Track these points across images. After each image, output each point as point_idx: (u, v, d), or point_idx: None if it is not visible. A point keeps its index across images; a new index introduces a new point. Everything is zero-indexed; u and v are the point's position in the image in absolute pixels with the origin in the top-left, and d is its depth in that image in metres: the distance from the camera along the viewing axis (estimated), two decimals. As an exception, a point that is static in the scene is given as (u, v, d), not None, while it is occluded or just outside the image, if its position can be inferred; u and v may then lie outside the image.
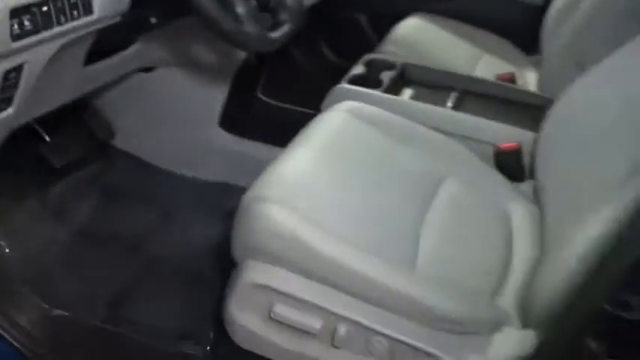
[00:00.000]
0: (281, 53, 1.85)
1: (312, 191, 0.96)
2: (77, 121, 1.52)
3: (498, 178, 1.20)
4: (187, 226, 1.45)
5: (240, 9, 0.92)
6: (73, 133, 1.49)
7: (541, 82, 1.59)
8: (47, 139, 1.39)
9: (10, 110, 0.86)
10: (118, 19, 0.95)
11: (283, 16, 1.05)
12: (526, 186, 1.21)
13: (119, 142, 1.60)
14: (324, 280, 0.86)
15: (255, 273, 0.89)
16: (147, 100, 1.54)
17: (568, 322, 0.65)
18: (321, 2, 1.73)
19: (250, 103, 1.70)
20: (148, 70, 1.46)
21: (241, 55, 1.51)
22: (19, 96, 0.85)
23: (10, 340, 1.01)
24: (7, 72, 0.79)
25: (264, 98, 1.75)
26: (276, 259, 0.88)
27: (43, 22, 0.78)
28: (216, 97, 1.56)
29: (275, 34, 1.01)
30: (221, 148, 1.60)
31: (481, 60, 1.81)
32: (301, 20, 1.12)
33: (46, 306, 1.10)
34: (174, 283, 1.26)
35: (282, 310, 0.88)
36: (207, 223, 1.46)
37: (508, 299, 0.93)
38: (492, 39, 1.95)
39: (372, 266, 0.86)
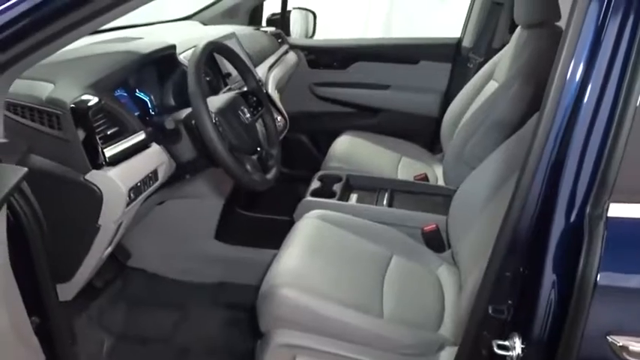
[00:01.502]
0: None
1: (310, 274, 1.39)
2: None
3: (427, 251, 1.69)
4: (199, 319, 1.84)
5: (248, 165, 1.40)
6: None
7: (445, 177, 2.09)
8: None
9: (110, 249, 1.28)
10: (166, 179, 1.41)
11: (271, 162, 1.52)
12: (447, 254, 1.71)
13: (134, 262, 1.98)
14: (328, 334, 1.31)
15: (280, 336, 1.32)
16: (155, 226, 1.94)
17: (471, 328, 0.97)
18: None
19: (238, 218, 2.12)
20: (158, 203, 1.89)
21: (229, 185, 1.97)
22: (116, 239, 1.28)
23: None
24: (117, 226, 1.23)
25: (244, 212, 2.18)
26: (294, 325, 1.31)
27: (138, 193, 1.24)
28: (212, 217, 1.99)
29: (269, 176, 1.48)
30: (216, 255, 2.02)
31: (400, 162, 2.31)
32: (279, 161, 1.59)
33: None
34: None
35: (302, 359, 1.31)
36: (214, 314, 1.86)
37: (447, 329, 1.41)
38: (406, 145, 2.48)
39: (356, 318, 1.31)
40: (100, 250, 1.23)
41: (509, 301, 0.93)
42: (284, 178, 2.50)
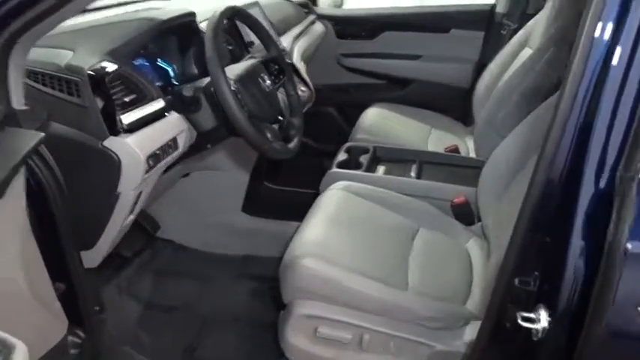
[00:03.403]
0: None
1: (333, 246, 1.37)
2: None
3: (456, 224, 1.64)
4: (224, 290, 1.85)
5: (269, 133, 1.37)
6: (130, 230, 1.89)
7: (476, 149, 2.04)
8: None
9: (131, 217, 1.29)
10: (187, 148, 1.41)
11: (293, 132, 1.50)
12: (477, 227, 1.66)
13: (163, 234, 2.00)
14: (350, 305, 1.28)
15: (303, 307, 1.31)
16: (183, 198, 1.96)
17: (495, 300, 0.93)
18: None
19: (262, 191, 2.12)
20: (184, 175, 1.90)
21: (253, 157, 1.96)
22: (137, 206, 1.29)
23: None
24: (137, 194, 1.23)
25: (271, 185, 2.17)
26: (316, 296, 1.29)
27: (157, 161, 1.23)
28: (238, 189, 1.99)
29: (291, 145, 1.44)
30: (243, 227, 2.02)
31: (431, 135, 2.27)
32: (302, 130, 1.56)
33: (142, 358, 1.47)
34: (227, 330, 1.66)
35: (324, 330, 1.30)
36: (239, 285, 1.87)
37: (473, 303, 1.37)
38: (437, 117, 2.42)
39: (380, 290, 1.29)
40: (121, 218, 1.23)
41: (535, 272, 0.89)
42: (311, 151, 2.52)
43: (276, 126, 1.44)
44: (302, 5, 2.48)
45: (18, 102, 1.07)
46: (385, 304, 1.29)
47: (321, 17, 2.57)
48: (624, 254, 0.74)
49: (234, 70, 1.36)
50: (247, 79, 1.35)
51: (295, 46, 2.09)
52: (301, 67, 2.00)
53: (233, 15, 1.42)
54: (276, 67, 1.51)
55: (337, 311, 1.29)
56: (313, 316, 1.30)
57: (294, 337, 1.32)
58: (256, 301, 1.81)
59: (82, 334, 1.11)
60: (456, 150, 2.05)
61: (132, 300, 1.72)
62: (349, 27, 2.59)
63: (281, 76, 1.52)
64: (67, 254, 1.14)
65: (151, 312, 1.70)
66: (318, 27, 2.51)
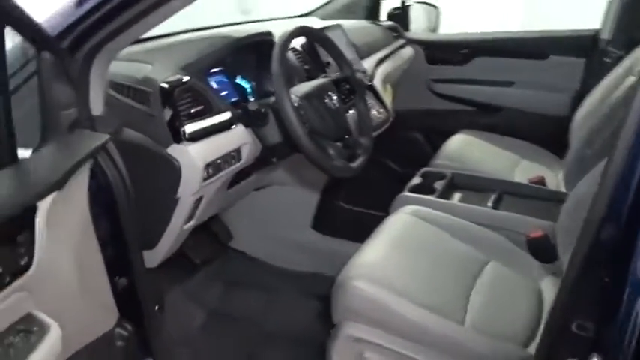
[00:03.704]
0: None
1: (389, 269, 1.33)
2: (206, 230, 2.02)
3: (531, 260, 1.52)
4: (289, 306, 1.86)
5: (331, 150, 1.38)
6: (204, 238, 1.98)
7: (565, 182, 1.88)
8: (192, 242, 1.87)
9: (191, 223, 1.35)
10: (253, 161, 1.45)
11: (359, 151, 1.49)
12: (555, 265, 1.53)
13: (235, 244, 2.07)
14: (399, 333, 1.23)
15: (351, 329, 1.27)
16: (257, 211, 2.01)
17: (544, 344, 0.90)
18: (387, 127, 2.14)
19: (336, 210, 2.12)
20: (258, 188, 1.95)
21: (324, 175, 1.97)
22: (197, 213, 1.34)
23: None
24: (196, 201, 1.28)
25: (346, 206, 2.17)
26: (366, 319, 1.26)
27: (217, 170, 1.28)
28: (309, 206, 2.01)
29: (354, 165, 1.44)
30: (313, 245, 2.03)
31: (519, 165, 2.13)
32: (370, 151, 1.55)
33: (190, 355, 1.51)
34: (284, 345, 1.66)
35: (371, 355, 1.25)
36: (304, 302, 1.87)
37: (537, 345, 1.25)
38: (528, 147, 2.27)
39: (432, 321, 1.22)
40: (180, 221, 1.29)
41: (588, 316, 0.80)
42: (393, 175, 2.50)
43: (340, 144, 1.43)
44: (391, 29, 2.48)
45: (96, 109, 1.17)
46: (436, 336, 1.21)
47: (411, 42, 2.55)
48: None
49: (302, 88, 1.39)
50: (313, 96, 1.37)
51: (379, 68, 2.09)
52: (381, 89, 1.99)
53: (303, 34, 1.45)
54: (347, 86, 1.51)
55: (385, 337, 1.24)
56: (360, 339, 1.26)
57: (340, 358, 1.29)
58: (318, 321, 1.80)
59: (130, 327, 1.16)
60: (541, 182, 1.91)
61: (197, 306, 1.78)
62: (440, 52, 2.53)
63: (352, 96, 1.52)
64: (130, 251, 1.21)
65: (214, 319, 1.75)
66: (407, 51, 2.48)
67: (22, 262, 0.83)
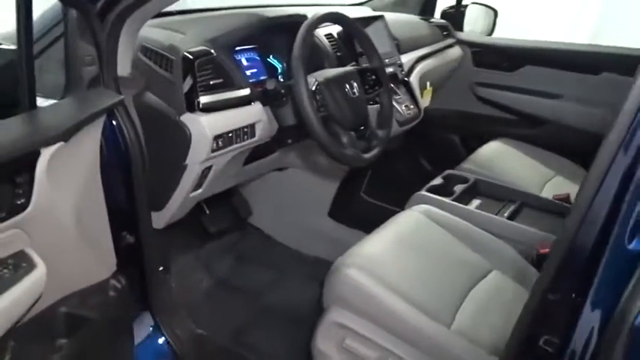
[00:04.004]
0: (386, 162, 2.28)
1: (385, 263, 1.33)
2: (227, 202, 2.08)
3: (536, 274, 1.49)
4: (293, 287, 1.90)
5: (344, 138, 1.38)
6: (224, 210, 2.04)
7: None
8: (207, 212, 1.95)
9: (199, 191, 1.40)
10: (268, 139, 1.48)
11: (374, 142, 1.49)
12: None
13: (253, 220, 2.12)
14: (383, 325, 1.24)
15: (337, 315, 1.29)
16: (278, 191, 2.05)
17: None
18: (424, 124, 2.12)
19: (355, 200, 2.13)
20: (281, 169, 1.99)
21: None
22: (206, 183, 1.39)
23: (171, 342, 1.47)
24: (204, 170, 1.33)
25: (366, 197, 2.17)
26: (352, 307, 1.27)
27: (227, 143, 1.32)
28: (328, 193, 2.03)
29: (367, 155, 1.44)
30: (327, 232, 2.05)
31: (551, 180, 2.05)
32: (385, 144, 1.54)
33: (193, 325, 1.57)
34: (279, 323, 1.70)
35: (351, 343, 1.27)
36: (309, 287, 1.89)
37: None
38: (566, 163, 2.18)
39: (418, 319, 1.21)
40: (186, 188, 1.34)
41: (556, 333, 0.80)
42: (424, 173, 2.45)
43: (354, 133, 1.44)
44: (441, 28, 2.43)
45: (123, 70, 1.23)
46: (419, 334, 1.21)
47: (461, 42, 2.50)
48: (630, 329, 0.63)
49: (324, 73, 1.40)
50: (333, 82, 1.38)
51: (418, 65, 2.07)
52: (417, 85, 1.97)
53: (333, 20, 1.46)
54: (373, 77, 1.52)
55: (368, 328, 1.25)
56: (344, 326, 1.28)
57: (323, 342, 1.31)
58: (317, 305, 1.82)
59: (124, 281, 1.22)
60: (566, 199, 1.84)
61: (206, 273, 1.84)
62: (488, 56, 2.46)
63: (376, 87, 1.52)
64: (139, 209, 1.27)
65: (218, 288, 1.81)
66: (455, 51, 2.44)
67: (19, 202, 0.90)
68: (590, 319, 0.73)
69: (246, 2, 1.72)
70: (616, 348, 0.64)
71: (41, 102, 1.07)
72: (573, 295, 0.77)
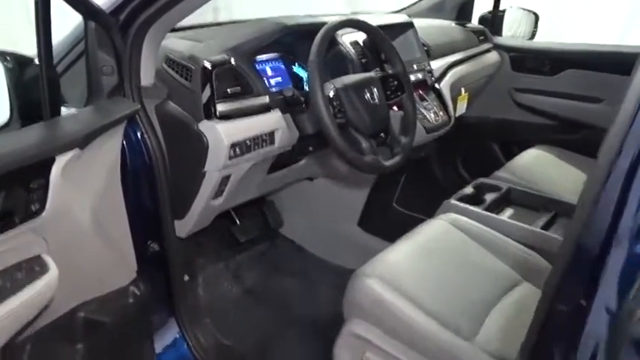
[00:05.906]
0: (419, 171, 2.23)
1: (407, 273, 1.30)
2: (259, 213, 2.08)
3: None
4: (322, 298, 1.87)
5: (364, 144, 1.36)
6: (255, 221, 2.04)
7: None
8: (237, 222, 1.96)
9: (220, 200, 1.40)
10: (289, 147, 1.47)
11: (397, 149, 1.45)
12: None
13: (284, 230, 2.11)
14: (402, 339, 1.20)
15: (356, 327, 1.26)
16: (308, 201, 2.04)
17: None
18: (461, 132, 2.09)
19: (386, 210, 2.09)
20: (310, 179, 1.98)
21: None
22: (226, 192, 1.40)
23: (194, 351, 1.48)
24: (223, 178, 1.34)
25: (398, 207, 2.13)
26: (372, 319, 1.24)
27: (245, 150, 1.32)
28: (357, 203, 2.00)
29: (388, 163, 1.40)
30: (357, 242, 2.02)
31: None
32: (408, 151, 1.50)
33: (218, 335, 1.57)
34: (306, 334, 1.68)
35: (371, 356, 1.24)
36: (336, 297, 1.86)
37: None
38: (610, 171, 2.09)
39: (439, 333, 1.17)
40: (206, 195, 1.35)
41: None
42: (459, 182, 2.38)
43: (374, 140, 1.41)
44: (477, 33, 2.37)
45: (145, 79, 1.26)
46: (439, 349, 1.17)
47: (498, 47, 2.43)
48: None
49: (343, 79, 1.39)
50: (353, 88, 1.36)
51: (451, 70, 2.03)
52: (448, 91, 1.93)
53: (352, 26, 1.45)
54: (395, 82, 1.49)
55: (388, 341, 1.22)
56: (364, 338, 1.25)
57: (343, 354, 1.29)
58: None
59: (143, 287, 1.24)
60: (605, 208, 1.74)
61: (235, 282, 1.85)
62: (527, 60, 2.38)
63: (398, 93, 1.49)
64: (162, 214, 1.29)
65: (246, 297, 1.81)
66: (492, 57, 2.37)
67: (34, 208, 0.92)
68: (596, 323, 0.68)
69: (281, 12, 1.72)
70: (621, 351, 0.60)
71: (68, 112, 1.11)
72: (580, 300, 0.73)
